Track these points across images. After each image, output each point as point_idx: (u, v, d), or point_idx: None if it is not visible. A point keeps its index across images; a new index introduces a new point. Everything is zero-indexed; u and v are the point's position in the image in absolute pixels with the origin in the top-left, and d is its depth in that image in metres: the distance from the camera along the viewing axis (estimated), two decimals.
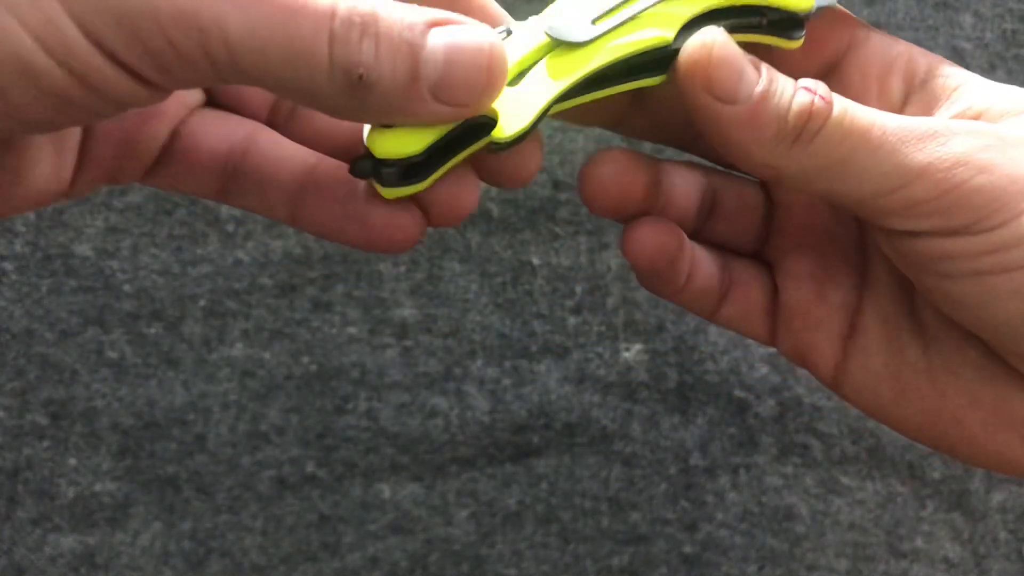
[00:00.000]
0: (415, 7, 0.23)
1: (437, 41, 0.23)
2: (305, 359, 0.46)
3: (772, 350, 0.48)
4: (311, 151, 0.29)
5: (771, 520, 0.47)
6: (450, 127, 0.25)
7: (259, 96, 0.29)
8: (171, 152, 0.29)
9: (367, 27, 0.22)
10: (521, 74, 0.26)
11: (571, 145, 0.47)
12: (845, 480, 0.48)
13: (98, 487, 0.45)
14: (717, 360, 0.48)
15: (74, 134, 0.27)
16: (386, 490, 0.46)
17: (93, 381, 0.46)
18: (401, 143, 0.24)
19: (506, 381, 0.47)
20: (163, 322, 0.46)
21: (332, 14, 0.22)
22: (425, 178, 0.25)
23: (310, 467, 0.46)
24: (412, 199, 0.26)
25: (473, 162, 0.27)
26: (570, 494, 0.47)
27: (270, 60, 0.22)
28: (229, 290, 0.47)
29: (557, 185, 0.47)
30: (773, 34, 0.28)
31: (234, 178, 0.29)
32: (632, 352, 0.48)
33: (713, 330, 0.48)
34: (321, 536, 0.45)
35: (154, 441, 0.45)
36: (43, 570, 0.44)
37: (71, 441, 0.45)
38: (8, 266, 0.46)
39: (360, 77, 0.22)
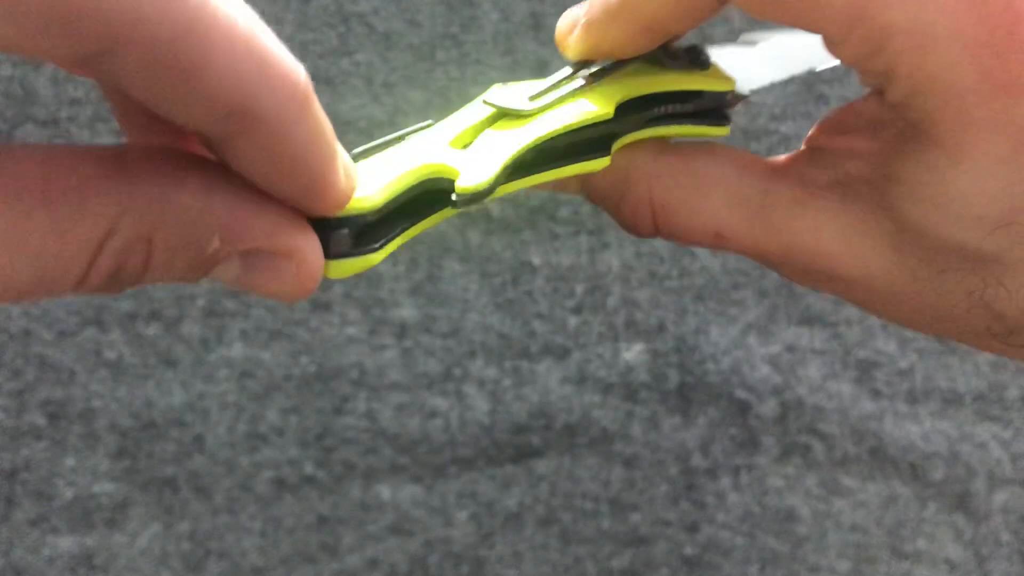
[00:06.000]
0: None
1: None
2: (304, 359, 0.46)
3: (774, 350, 0.48)
4: None
5: (772, 521, 0.47)
6: (410, 182, 0.23)
7: None
8: None
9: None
10: (467, 144, 0.25)
11: None
12: (847, 481, 0.48)
13: (96, 488, 0.45)
14: (718, 360, 0.48)
15: None
16: (385, 491, 0.46)
17: (91, 381, 0.45)
18: (356, 199, 0.22)
19: (506, 381, 0.47)
20: (161, 322, 0.46)
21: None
22: (380, 247, 0.23)
23: (309, 468, 0.46)
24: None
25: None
26: (570, 495, 0.46)
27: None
28: (227, 290, 0.46)
29: None
30: (701, 123, 0.29)
31: None
32: (633, 352, 0.48)
33: (714, 330, 0.48)
34: (320, 537, 0.45)
35: (152, 442, 0.45)
36: (41, 571, 0.44)
37: (69, 442, 0.45)
38: None
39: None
